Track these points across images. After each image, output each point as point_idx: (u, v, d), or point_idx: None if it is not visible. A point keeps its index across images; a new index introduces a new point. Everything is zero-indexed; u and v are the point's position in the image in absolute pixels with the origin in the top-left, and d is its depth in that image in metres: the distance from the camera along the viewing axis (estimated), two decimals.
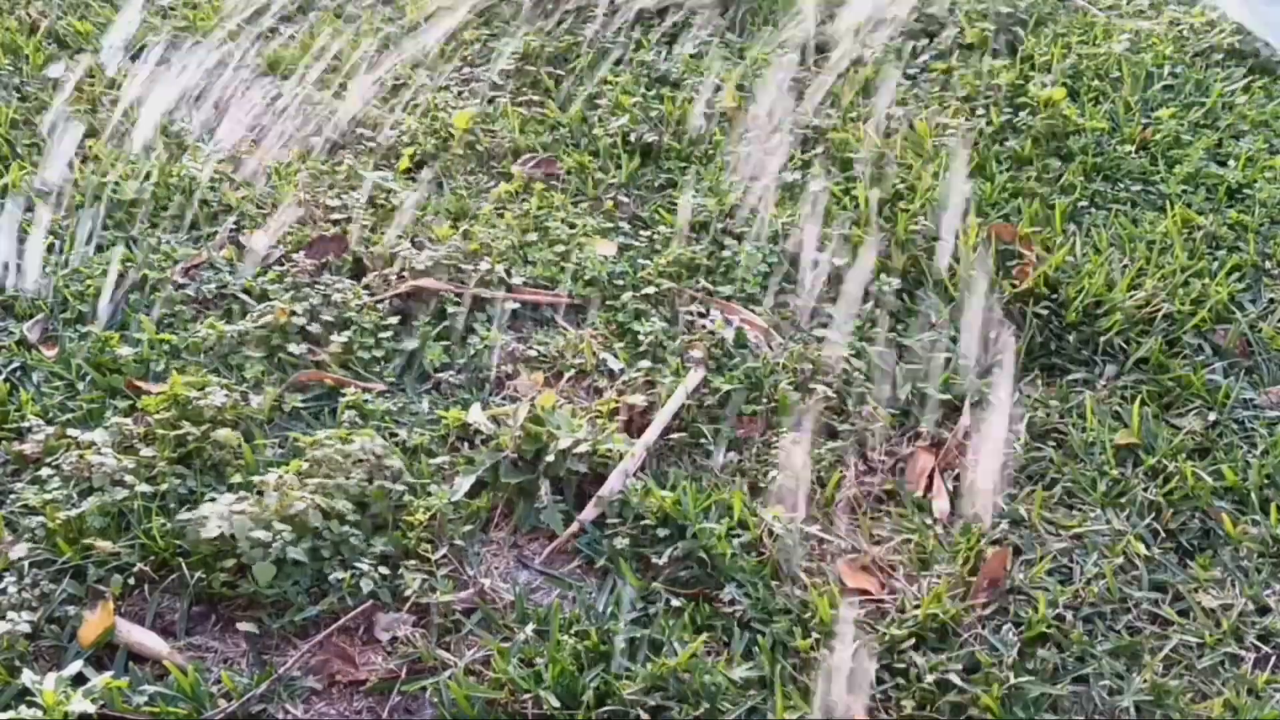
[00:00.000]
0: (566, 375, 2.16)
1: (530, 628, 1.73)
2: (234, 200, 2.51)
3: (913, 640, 1.72)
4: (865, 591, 1.80)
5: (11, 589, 1.74)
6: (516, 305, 2.29)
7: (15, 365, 2.13)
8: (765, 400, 2.09)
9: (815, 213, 2.52)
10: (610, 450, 1.95)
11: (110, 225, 2.45)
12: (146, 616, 1.76)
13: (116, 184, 2.52)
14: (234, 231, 2.45)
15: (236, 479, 1.90)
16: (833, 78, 2.94)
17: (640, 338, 2.21)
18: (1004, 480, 1.97)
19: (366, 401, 2.07)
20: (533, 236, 2.45)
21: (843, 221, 2.48)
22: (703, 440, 2.03)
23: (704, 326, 2.23)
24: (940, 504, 1.94)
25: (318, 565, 1.78)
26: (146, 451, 1.91)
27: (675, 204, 2.55)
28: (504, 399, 2.12)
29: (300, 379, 2.12)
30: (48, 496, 1.85)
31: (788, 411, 2.06)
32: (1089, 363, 2.22)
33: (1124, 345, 2.23)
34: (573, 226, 2.48)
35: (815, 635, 1.71)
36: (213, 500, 1.84)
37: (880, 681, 1.67)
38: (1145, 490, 1.96)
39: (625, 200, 2.58)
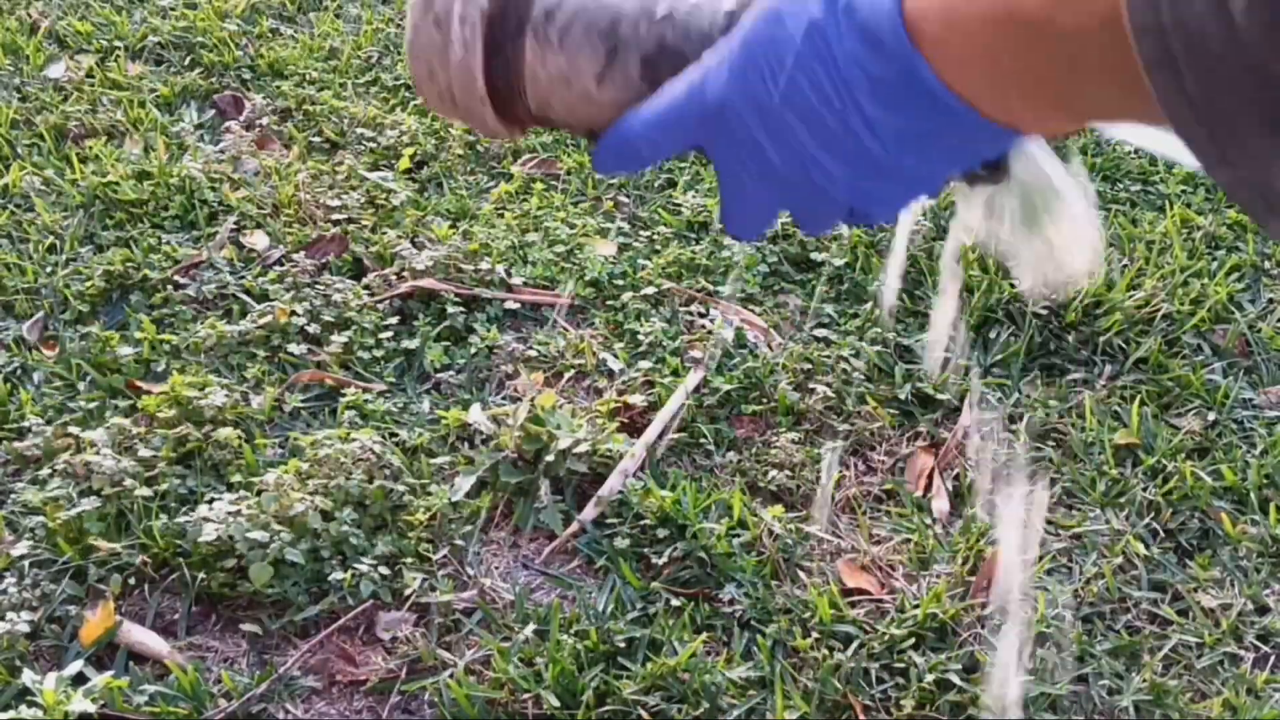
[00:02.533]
0: (566, 375, 2.16)
1: (530, 628, 1.73)
2: (234, 200, 2.51)
3: (912, 640, 1.72)
4: (864, 591, 1.80)
5: (12, 589, 1.74)
6: (517, 305, 2.29)
7: (15, 365, 2.14)
8: (765, 400, 2.09)
9: None
10: (610, 450, 1.96)
11: (110, 225, 2.46)
12: (147, 616, 1.76)
13: (116, 184, 2.52)
14: (234, 232, 2.45)
15: (237, 479, 1.90)
16: None
17: (640, 338, 2.21)
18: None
19: (367, 401, 2.07)
20: (533, 236, 2.45)
21: None
22: (703, 440, 2.03)
23: (704, 327, 2.24)
24: (940, 504, 1.95)
25: (317, 565, 1.78)
26: (146, 452, 1.91)
27: (675, 204, 2.55)
28: (504, 399, 2.12)
29: (300, 379, 2.13)
30: (48, 496, 1.85)
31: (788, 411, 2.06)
32: (1088, 363, 2.22)
33: (1123, 345, 2.23)
34: (573, 226, 2.48)
35: (815, 635, 1.71)
36: (213, 500, 1.84)
37: (880, 681, 1.68)
38: (1144, 490, 1.96)
39: (625, 200, 2.58)
